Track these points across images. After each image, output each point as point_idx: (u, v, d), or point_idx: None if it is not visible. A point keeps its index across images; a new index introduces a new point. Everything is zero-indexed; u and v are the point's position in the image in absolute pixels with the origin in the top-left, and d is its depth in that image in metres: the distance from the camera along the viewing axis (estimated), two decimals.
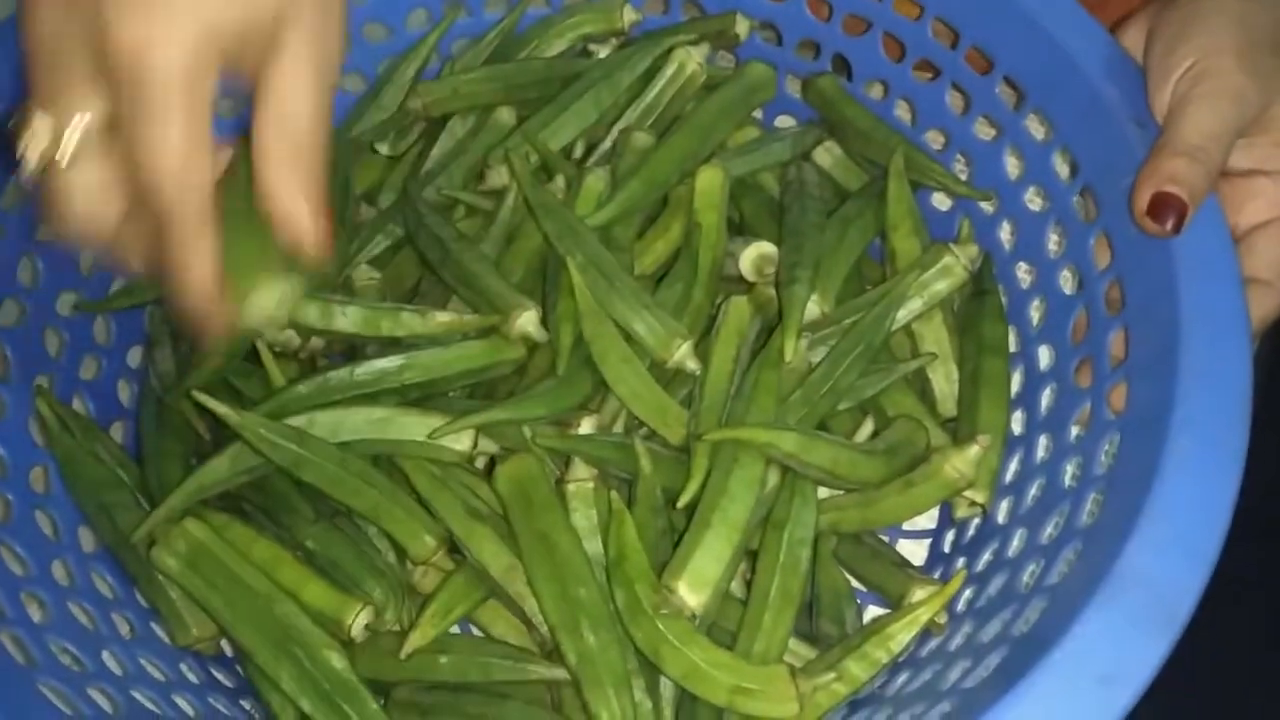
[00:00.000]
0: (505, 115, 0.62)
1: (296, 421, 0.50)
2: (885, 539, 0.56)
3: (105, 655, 0.47)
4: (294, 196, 0.36)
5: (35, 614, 0.46)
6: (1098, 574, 0.37)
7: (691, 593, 0.44)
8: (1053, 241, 0.54)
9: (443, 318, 0.52)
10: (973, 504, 0.51)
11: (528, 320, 0.51)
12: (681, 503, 0.47)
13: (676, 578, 0.44)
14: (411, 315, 0.52)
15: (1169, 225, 0.43)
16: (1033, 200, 0.56)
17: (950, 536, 0.56)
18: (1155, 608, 0.36)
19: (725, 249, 0.57)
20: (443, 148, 0.63)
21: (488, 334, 0.52)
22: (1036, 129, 0.54)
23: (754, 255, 0.56)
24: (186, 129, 0.33)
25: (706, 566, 0.45)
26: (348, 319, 0.53)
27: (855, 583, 0.53)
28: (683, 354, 0.51)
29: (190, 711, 0.48)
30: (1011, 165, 0.57)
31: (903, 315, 0.54)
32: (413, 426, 0.51)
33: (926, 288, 0.55)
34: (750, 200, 0.60)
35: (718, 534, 0.46)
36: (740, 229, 0.61)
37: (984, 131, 0.58)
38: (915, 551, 0.57)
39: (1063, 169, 0.53)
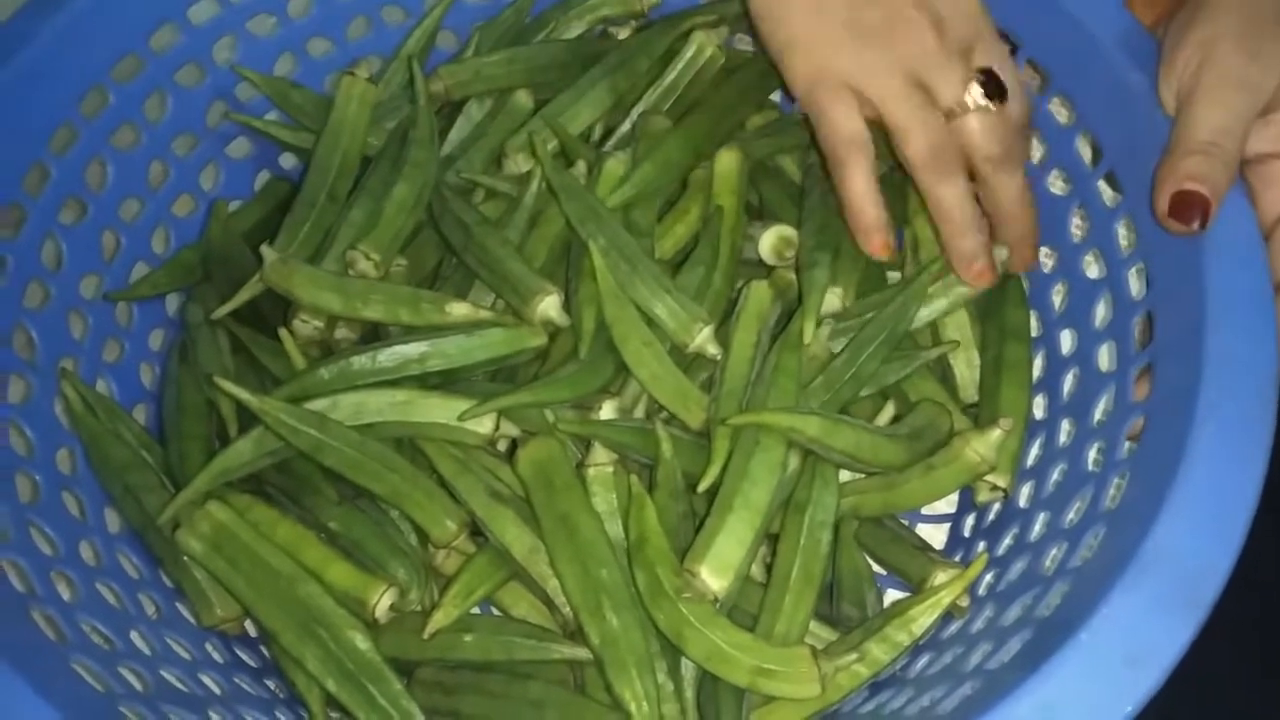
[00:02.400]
0: (523, 98, 0.62)
1: (319, 404, 0.50)
2: (905, 523, 0.56)
3: (133, 634, 0.48)
4: None
5: (65, 593, 0.47)
6: (1123, 556, 0.37)
7: (714, 577, 0.44)
8: (1076, 225, 0.54)
9: (460, 310, 0.52)
10: (994, 488, 0.51)
11: (550, 305, 0.51)
12: (702, 487, 0.47)
13: (699, 562, 0.45)
14: (430, 306, 0.52)
15: (1194, 224, 0.43)
16: (1055, 184, 0.55)
17: (970, 521, 0.56)
18: (1182, 589, 0.36)
19: (744, 232, 0.57)
20: (460, 131, 0.63)
21: (509, 322, 0.52)
22: (1060, 112, 0.54)
23: (773, 238, 0.56)
24: None
25: (729, 550, 0.45)
26: (368, 306, 0.53)
27: (876, 566, 0.54)
28: (703, 338, 0.51)
29: (216, 690, 0.49)
30: (1035, 148, 0.56)
31: (926, 313, 0.54)
32: (435, 409, 0.51)
33: (950, 287, 0.54)
34: (769, 183, 0.60)
35: (740, 518, 0.46)
36: (760, 212, 0.61)
37: None
38: (935, 536, 0.58)
39: (1086, 153, 0.53)
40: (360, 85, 0.59)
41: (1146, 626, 0.35)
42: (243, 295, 0.55)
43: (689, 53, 0.61)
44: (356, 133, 0.59)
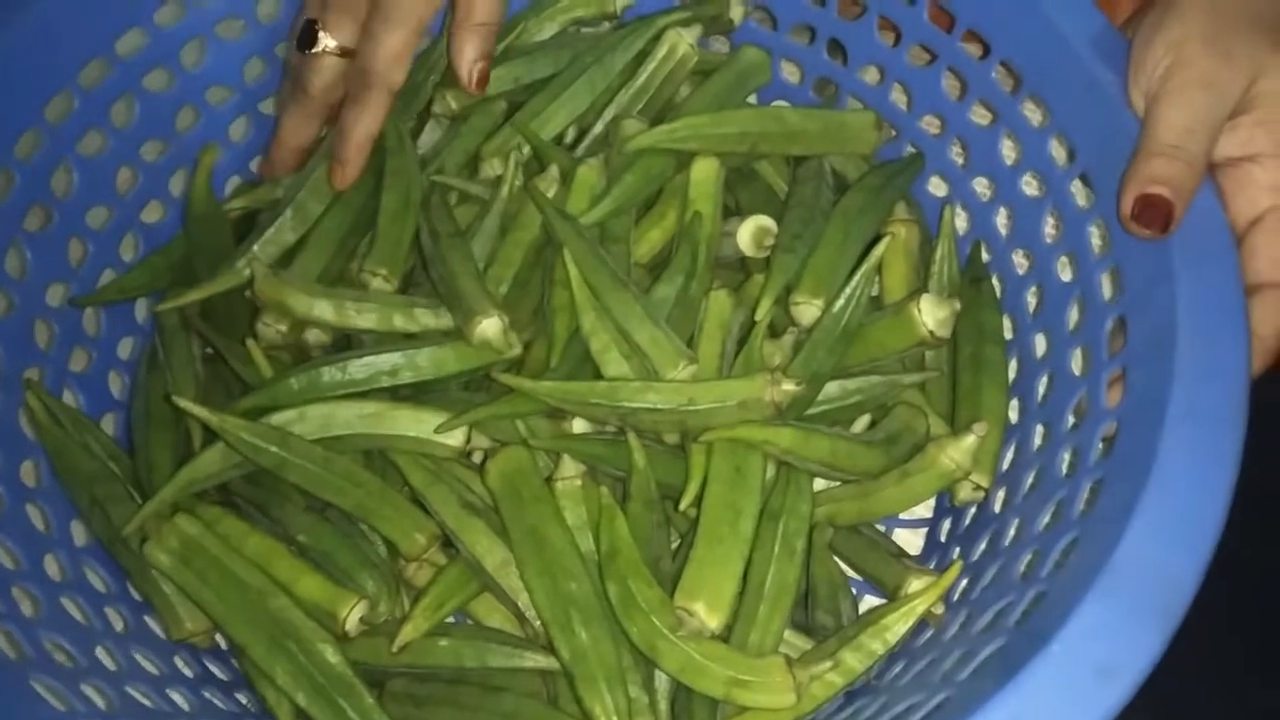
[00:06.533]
0: (497, 102, 0.61)
1: (286, 415, 0.50)
2: (882, 528, 0.56)
3: (99, 650, 0.47)
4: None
5: (27, 609, 0.46)
6: (1095, 564, 0.37)
7: (712, 613, 0.44)
8: (1049, 227, 0.54)
9: (425, 319, 0.52)
10: (977, 487, 0.51)
11: (489, 327, 0.50)
12: (683, 505, 0.47)
13: (694, 599, 0.44)
14: (425, 312, 0.52)
15: (1158, 228, 0.43)
16: (1029, 186, 0.55)
17: (947, 525, 0.56)
18: (1153, 598, 0.35)
19: (721, 229, 0.56)
20: (431, 135, 0.62)
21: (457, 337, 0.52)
22: (1033, 114, 0.54)
23: (752, 228, 0.55)
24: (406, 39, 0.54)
25: (724, 586, 0.45)
26: (362, 315, 0.52)
27: (851, 573, 0.53)
28: (686, 376, 0.50)
29: (185, 706, 0.48)
30: (1008, 151, 0.56)
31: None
32: (405, 422, 0.50)
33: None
34: (747, 189, 0.60)
35: (729, 550, 0.46)
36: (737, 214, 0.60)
37: (980, 116, 0.57)
38: (911, 540, 0.57)
39: (1060, 154, 0.52)
40: None
41: (1117, 637, 0.35)
42: (216, 286, 0.55)
43: (661, 53, 0.60)
44: None
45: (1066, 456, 0.47)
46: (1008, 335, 0.56)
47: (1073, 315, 0.51)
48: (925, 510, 0.58)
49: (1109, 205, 0.48)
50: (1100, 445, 0.45)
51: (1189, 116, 0.43)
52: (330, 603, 0.48)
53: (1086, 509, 0.43)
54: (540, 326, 0.54)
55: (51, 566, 0.50)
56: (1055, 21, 0.50)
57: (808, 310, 0.52)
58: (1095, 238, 0.50)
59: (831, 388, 0.52)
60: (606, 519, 0.47)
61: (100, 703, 0.43)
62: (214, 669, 0.53)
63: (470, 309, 0.50)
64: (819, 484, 0.51)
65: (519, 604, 0.48)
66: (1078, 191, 0.51)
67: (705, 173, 0.56)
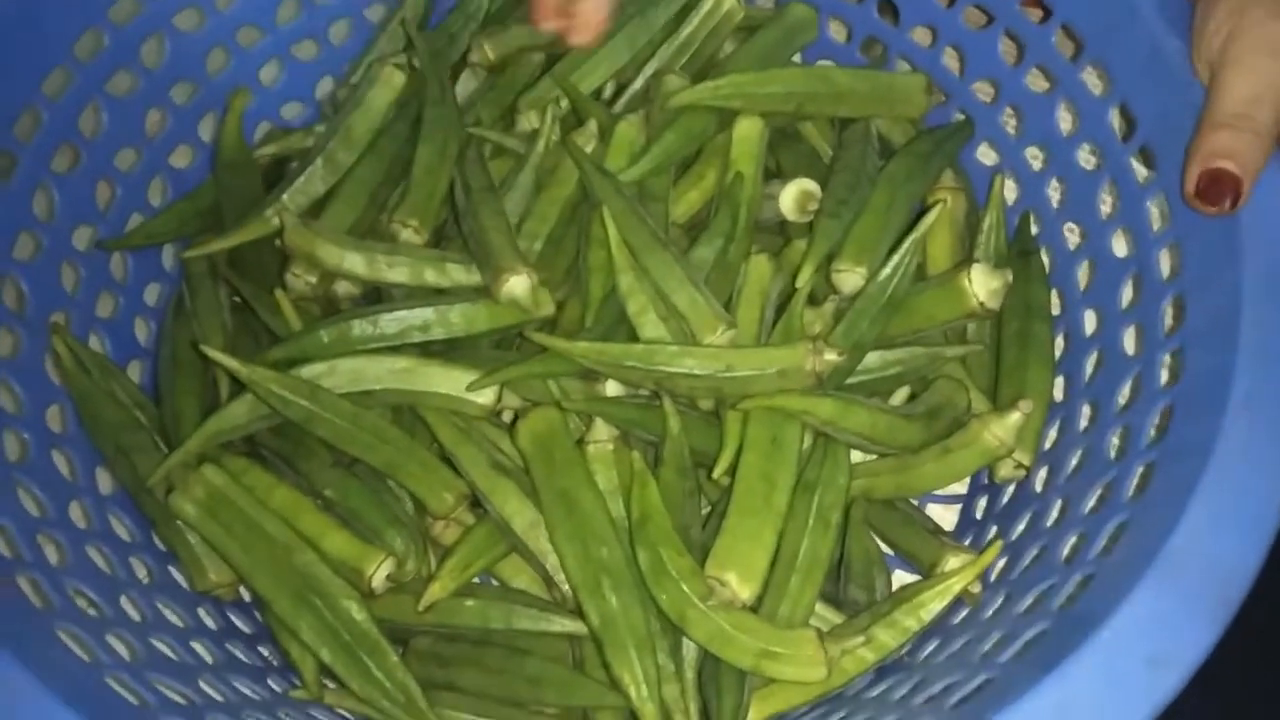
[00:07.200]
0: (535, 54, 0.60)
1: (316, 369, 0.49)
2: (916, 502, 0.55)
3: (123, 600, 0.47)
4: None
5: (53, 557, 0.45)
6: (1148, 550, 0.36)
7: (744, 584, 0.43)
8: (1105, 202, 0.52)
9: (458, 275, 0.51)
10: (1019, 465, 0.49)
11: (517, 285, 0.49)
12: (716, 474, 0.46)
13: (726, 569, 0.43)
14: (457, 267, 0.51)
15: (1225, 204, 0.41)
16: (1085, 158, 0.53)
17: (983, 502, 0.55)
18: (1209, 588, 0.34)
19: (763, 192, 0.55)
20: (466, 85, 0.61)
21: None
22: (1093, 82, 0.52)
23: (795, 191, 0.54)
24: None
25: (756, 557, 0.44)
26: (393, 269, 0.51)
27: (885, 547, 0.52)
28: (724, 341, 0.49)
29: (208, 659, 0.48)
30: (1064, 120, 0.54)
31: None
32: (437, 378, 0.49)
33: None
34: (790, 150, 0.58)
35: (763, 521, 0.45)
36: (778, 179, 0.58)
37: (1037, 83, 0.55)
38: (945, 516, 0.56)
39: (1119, 125, 0.50)
40: (395, 75, 0.57)
41: (1170, 626, 0.34)
42: (245, 235, 0.54)
43: (705, 7, 0.59)
44: (378, 111, 0.57)
45: (1115, 439, 0.46)
46: (1054, 311, 0.54)
47: (1126, 292, 0.50)
48: (960, 486, 0.56)
49: (1171, 179, 0.46)
50: (1153, 427, 0.43)
51: (1254, 84, 0.41)
52: (357, 559, 0.47)
53: (1137, 493, 0.42)
54: (574, 285, 0.53)
55: (76, 514, 0.49)
56: None
57: (850, 278, 0.51)
58: (1154, 212, 0.48)
59: (871, 358, 0.51)
60: (638, 485, 0.46)
61: (125, 653, 0.43)
62: (237, 621, 0.53)
63: (499, 266, 0.49)
64: (856, 456, 0.50)
65: (547, 566, 0.47)
66: (1137, 164, 0.49)
67: (748, 132, 0.54)
